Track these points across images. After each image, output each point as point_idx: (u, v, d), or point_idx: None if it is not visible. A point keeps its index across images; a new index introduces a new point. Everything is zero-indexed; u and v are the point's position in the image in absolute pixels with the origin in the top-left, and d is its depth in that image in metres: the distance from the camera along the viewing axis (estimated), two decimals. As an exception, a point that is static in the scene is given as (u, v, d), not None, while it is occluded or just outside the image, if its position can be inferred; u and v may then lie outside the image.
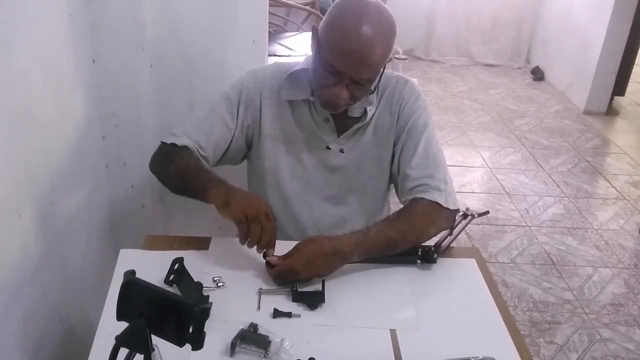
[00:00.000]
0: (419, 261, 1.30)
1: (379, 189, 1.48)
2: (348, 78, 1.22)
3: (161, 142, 1.39)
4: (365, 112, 1.37)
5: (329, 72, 1.23)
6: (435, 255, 1.29)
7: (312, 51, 1.31)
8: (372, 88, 1.31)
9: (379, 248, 1.24)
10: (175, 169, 1.33)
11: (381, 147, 1.42)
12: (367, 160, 1.43)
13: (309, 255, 1.19)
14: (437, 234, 1.33)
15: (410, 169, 1.35)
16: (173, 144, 1.36)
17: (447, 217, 1.33)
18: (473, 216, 1.36)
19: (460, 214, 1.36)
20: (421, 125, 1.38)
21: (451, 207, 1.33)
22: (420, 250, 1.29)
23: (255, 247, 1.20)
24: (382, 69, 1.28)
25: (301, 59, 1.40)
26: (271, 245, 1.21)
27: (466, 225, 1.36)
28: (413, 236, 1.28)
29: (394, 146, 1.41)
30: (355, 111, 1.37)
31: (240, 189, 1.27)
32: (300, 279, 1.18)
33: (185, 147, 1.35)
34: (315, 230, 1.44)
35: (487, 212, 1.40)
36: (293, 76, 1.37)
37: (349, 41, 1.19)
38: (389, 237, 1.25)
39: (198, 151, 1.37)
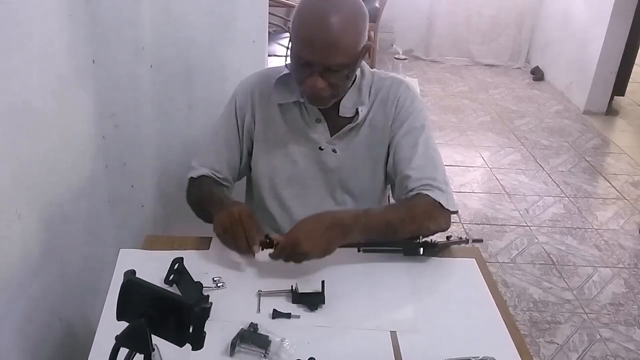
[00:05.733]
0: (421, 250, 1.30)
1: (374, 189, 1.48)
2: (319, 66, 1.23)
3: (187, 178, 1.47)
4: (357, 112, 1.37)
5: (300, 64, 1.25)
6: (436, 247, 1.31)
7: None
8: (348, 74, 1.28)
9: (378, 229, 1.25)
10: (193, 202, 1.43)
11: (375, 148, 1.42)
12: (361, 160, 1.43)
13: (309, 226, 1.19)
14: (435, 232, 1.33)
15: (411, 170, 1.35)
16: (191, 178, 1.44)
17: (447, 218, 1.34)
18: (466, 241, 1.38)
19: (458, 238, 1.38)
20: (419, 128, 1.38)
21: (451, 209, 1.33)
22: (421, 241, 1.30)
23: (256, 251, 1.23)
24: (358, 54, 1.26)
25: None
26: (260, 234, 1.24)
27: (456, 244, 1.37)
28: (412, 227, 1.29)
29: (389, 147, 1.41)
30: (347, 111, 1.37)
31: (231, 204, 1.30)
32: (303, 251, 1.17)
33: (202, 176, 1.43)
34: None
35: (480, 240, 1.45)
36: (282, 80, 1.38)
37: (310, 29, 1.21)
38: (388, 221, 1.27)
39: (215, 175, 1.44)
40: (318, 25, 1.19)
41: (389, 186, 1.51)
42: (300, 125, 1.40)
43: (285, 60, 1.31)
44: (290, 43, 1.28)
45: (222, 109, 1.48)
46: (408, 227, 1.28)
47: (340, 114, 1.37)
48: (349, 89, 1.36)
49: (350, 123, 1.38)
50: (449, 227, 1.35)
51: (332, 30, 1.19)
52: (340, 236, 1.22)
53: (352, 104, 1.36)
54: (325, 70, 1.23)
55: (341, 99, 1.35)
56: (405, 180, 1.36)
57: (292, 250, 1.18)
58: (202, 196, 1.40)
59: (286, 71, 1.37)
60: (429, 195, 1.31)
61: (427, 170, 1.34)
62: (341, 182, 1.44)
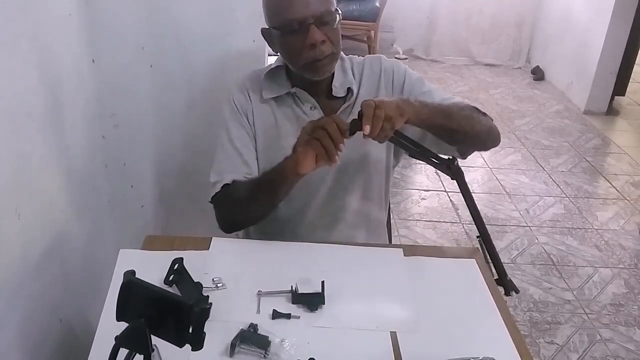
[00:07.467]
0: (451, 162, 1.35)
1: (376, 170, 1.48)
2: (310, 18, 1.26)
3: (212, 199, 1.39)
4: (349, 91, 1.40)
5: (293, 29, 1.27)
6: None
7: (274, 46, 1.37)
8: (339, 25, 1.32)
9: (432, 105, 1.28)
10: (246, 194, 1.35)
11: None
12: (358, 138, 1.43)
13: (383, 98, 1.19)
14: (480, 130, 1.37)
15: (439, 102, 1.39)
16: (224, 186, 1.37)
17: (487, 119, 1.40)
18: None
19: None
20: (418, 79, 1.47)
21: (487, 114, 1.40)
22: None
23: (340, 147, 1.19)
24: (336, 10, 1.30)
25: None
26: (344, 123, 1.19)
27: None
28: (463, 113, 1.33)
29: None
30: (339, 91, 1.40)
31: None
32: (387, 99, 1.17)
33: (233, 180, 1.37)
34: (319, 218, 1.47)
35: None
36: (270, 75, 1.42)
37: None
38: (439, 103, 1.32)
39: (247, 177, 1.39)
40: None
41: (390, 181, 1.53)
42: (296, 115, 1.41)
43: (273, 47, 1.36)
44: (274, 29, 1.31)
45: (223, 118, 1.44)
46: (460, 113, 1.32)
47: (333, 94, 1.40)
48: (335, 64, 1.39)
49: (344, 104, 1.41)
50: (493, 126, 1.41)
51: None
52: (407, 100, 1.23)
53: (340, 83, 1.41)
54: (317, 22, 1.26)
55: (333, 77, 1.38)
56: None
57: (378, 101, 1.15)
58: (253, 182, 1.35)
59: (273, 65, 1.41)
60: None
61: (449, 99, 1.41)
62: (343, 164, 1.44)
